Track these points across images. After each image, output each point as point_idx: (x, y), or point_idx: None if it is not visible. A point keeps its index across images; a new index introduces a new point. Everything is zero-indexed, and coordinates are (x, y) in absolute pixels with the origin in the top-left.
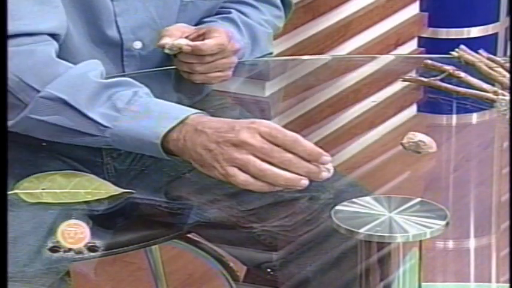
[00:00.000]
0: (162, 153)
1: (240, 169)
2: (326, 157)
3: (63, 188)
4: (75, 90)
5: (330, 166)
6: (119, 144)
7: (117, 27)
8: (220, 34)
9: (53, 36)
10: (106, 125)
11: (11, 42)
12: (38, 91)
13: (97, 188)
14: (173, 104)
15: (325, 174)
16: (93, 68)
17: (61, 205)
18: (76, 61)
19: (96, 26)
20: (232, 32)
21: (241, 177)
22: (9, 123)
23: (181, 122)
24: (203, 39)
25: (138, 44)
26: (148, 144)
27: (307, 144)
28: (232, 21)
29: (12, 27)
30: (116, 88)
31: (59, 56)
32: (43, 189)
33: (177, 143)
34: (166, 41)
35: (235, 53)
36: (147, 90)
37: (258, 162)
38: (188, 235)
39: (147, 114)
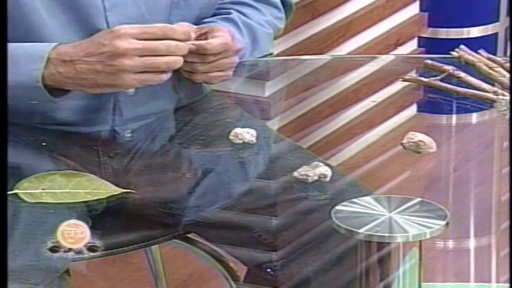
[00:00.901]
0: (46, 92)
1: (145, 72)
2: (192, 33)
3: (63, 188)
4: None
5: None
6: (12, 99)
7: (107, 22)
8: (224, 33)
9: None
10: None
11: None
12: None
13: (97, 188)
14: (28, 44)
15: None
16: None
17: (61, 205)
18: None
19: (85, 21)
20: (233, 31)
21: (138, 77)
22: None
23: (48, 59)
24: (205, 39)
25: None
26: (31, 89)
27: (176, 28)
28: (232, 21)
29: None
30: None
31: None
32: (43, 189)
33: (53, 78)
34: None
35: (236, 53)
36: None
37: (145, 58)
38: (188, 235)
39: (13, 60)
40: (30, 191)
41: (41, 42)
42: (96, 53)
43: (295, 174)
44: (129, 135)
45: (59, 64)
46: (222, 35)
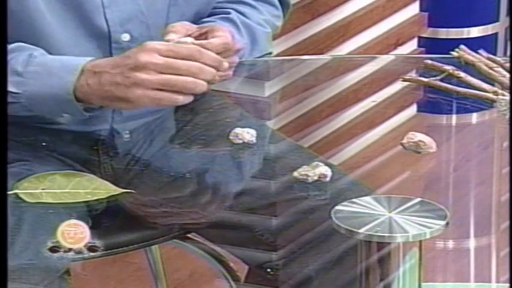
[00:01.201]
0: (77, 104)
1: (158, 90)
2: (225, 63)
3: (63, 188)
4: None
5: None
6: (37, 108)
7: (106, 19)
8: (224, 33)
9: None
10: (16, 91)
11: None
12: None
13: (97, 188)
14: (66, 57)
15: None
16: None
17: (61, 205)
18: (64, 54)
19: (84, 18)
20: (233, 31)
21: (151, 94)
22: None
23: (82, 71)
24: (205, 38)
25: (126, 37)
26: (63, 101)
27: (207, 52)
28: (231, 21)
29: None
30: (11, 54)
31: (48, 49)
32: (43, 189)
33: (81, 89)
34: (172, 37)
35: (236, 53)
36: (42, 50)
37: (162, 75)
38: (188, 235)
39: (48, 71)
40: (30, 191)
41: (40, 38)
42: (120, 64)
43: (295, 174)
44: (127, 135)
45: (89, 75)
46: (222, 34)
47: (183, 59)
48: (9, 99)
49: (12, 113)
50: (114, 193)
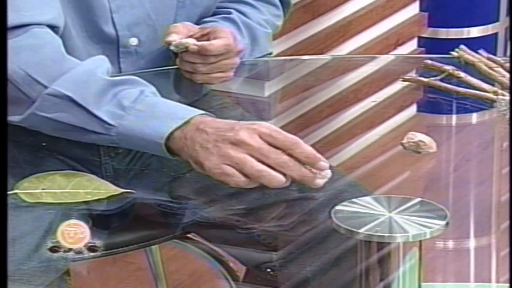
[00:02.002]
0: (165, 152)
1: (235, 168)
2: (324, 163)
3: (63, 188)
4: (81, 88)
5: (326, 173)
6: (124, 143)
7: (113, 23)
8: (226, 35)
9: (53, 28)
10: (111, 123)
11: (12, 34)
12: (45, 86)
13: (97, 188)
14: (179, 104)
15: (320, 182)
16: (100, 65)
17: (61, 205)
18: (73, 57)
19: (92, 23)
20: (235, 32)
21: (236, 177)
22: (16, 119)
23: (186, 122)
24: (207, 39)
25: (134, 41)
26: (152, 143)
27: (306, 147)
28: (232, 21)
29: (12, 18)
30: (123, 86)
31: None
32: (43, 189)
33: (178, 142)
34: (174, 38)
35: (238, 54)
36: (153, 89)
37: (255, 162)
38: (188, 235)
39: (153, 114)
40: (30, 191)
41: None
42: (221, 132)
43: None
44: None
45: (192, 129)
46: (224, 36)
47: (278, 146)
48: (100, 130)
49: (86, 139)
50: (114, 193)
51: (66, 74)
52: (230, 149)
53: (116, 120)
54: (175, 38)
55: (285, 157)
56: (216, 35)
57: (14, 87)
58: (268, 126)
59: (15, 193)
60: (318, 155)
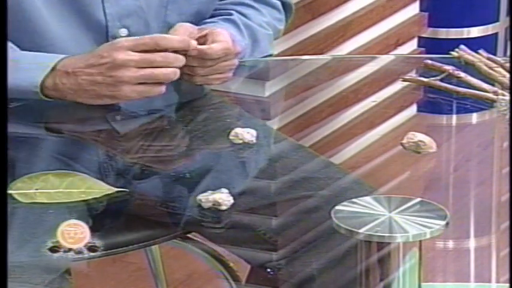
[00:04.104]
0: (44, 98)
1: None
2: (193, 42)
3: (56, 187)
4: None
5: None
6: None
7: (104, 13)
8: (225, 37)
9: None
10: None
11: None
12: None
13: (90, 188)
14: (38, 53)
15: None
16: None
17: (56, 205)
18: (59, 47)
19: (82, 12)
20: (233, 34)
21: (138, 89)
22: None
23: (53, 69)
24: (205, 41)
25: (123, 32)
26: (30, 93)
27: (174, 37)
28: (233, 22)
29: None
30: None
31: (41, 42)
32: (36, 189)
33: (55, 88)
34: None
35: (236, 56)
36: (11, 44)
37: (144, 69)
38: (188, 235)
39: (17, 68)
40: (24, 191)
41: (36, 33)
42: (96, 64)
43: (199, 197)
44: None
45: (62, 75)
46: (223, 39)
47: (152, 49)
48: None
49: None
50: (108, 192)
51: None
52: (123, 72)
53: None
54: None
55: (170, 54)
56: (214, 37)
57: None
58: (127, 39)
59: (9, 193)
60: (185, 38)
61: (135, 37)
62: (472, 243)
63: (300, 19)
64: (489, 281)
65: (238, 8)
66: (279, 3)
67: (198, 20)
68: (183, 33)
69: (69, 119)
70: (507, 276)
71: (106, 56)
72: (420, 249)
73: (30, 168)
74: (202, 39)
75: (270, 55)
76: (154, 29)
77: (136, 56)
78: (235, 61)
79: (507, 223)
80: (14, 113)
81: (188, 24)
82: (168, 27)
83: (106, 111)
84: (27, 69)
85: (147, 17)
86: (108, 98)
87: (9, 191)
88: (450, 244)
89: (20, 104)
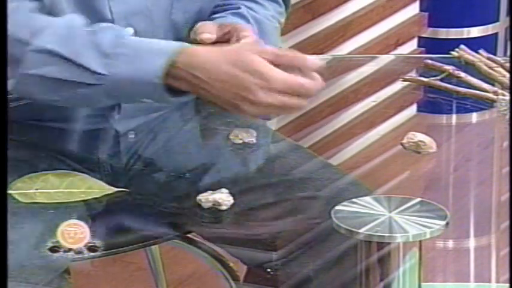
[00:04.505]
0: (164, 92)
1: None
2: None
3: (56, 187)
4: (64, 41)
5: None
6: (118, 92)
7: (111, 12)
8: (249, 33)
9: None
10: (102, 72)
11: None
12: (27, 42)
13: (90, 187)
14: (158, 40)
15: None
16: (77, 19)
17: (56, 205)
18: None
19: (89, 9)
20: (255, 30)
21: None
22: (9, 85)
23: (176, 55)
24: (229, 38)
25: (129, 31)
26: (149, 86)
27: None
28: (242, 16)
29: None
30: (99, 34)
31: None
32: (36, 189)
33: (183, 76)
34: (208, 36)
35: None
36: (131, 30)
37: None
38: (188, 235)
39: (138, 54)
40: (23, 191)
41: None
42: (240, 73)
43: (199, 197)
44: (132, 136)
45: (191, 67)
46: (247, 34)
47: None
48: (91, 81)
49: (84, 98)
50: (108, 192)
51: (45, 30)
52: (266, 95)
53: (106, 69)
54: (209, 36)
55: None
56: (239, 33)
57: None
58: (267, 50)
59: (9, 193)
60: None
61: (276, 52)
62: (472, 243)
63: (300, 19)
64: (489, 281)
65: (244, 2)
66: None
67: (201, 17)
68: (214, 30)
69: (69, 119)
70: (507, 276)
71: (255, 72)
72: (420, 249)
73: (30, 168)
74: (225, 36)
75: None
76: (160, 28)
77: (283, 84)
78: None
79: (507, 223)
80: (14, 113)
81: (208, 22)
82: (173, 26)
83: (106, 110)
84: (147, 57)
85: (153, 15)
86: (232, 107)
87: (9, 191)
88: (450, 244)
89: (20, 104)
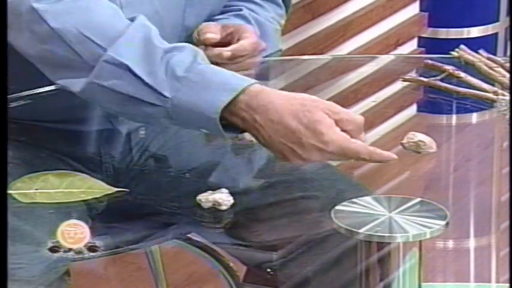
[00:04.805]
0: (219, 127)
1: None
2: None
3: (56, 187)
4: (138, 56)
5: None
6: (178, 116)
7: None
8: (251, 34)
9: None
10: (167, 95)
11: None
12: (98, 45)
13: (91, 187)
14: (230, 72)
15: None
16: (153, 30)
17: (56, 205)
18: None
19: None
20: (257, 31)
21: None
22: (76, 89)
23: (240, 93)
24: (231, 39)
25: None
26: (206, 118)
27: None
28: (244, 18)
29: None
30: (173, 52)
31: None
32: (36, 189)
33: (241, 114)
34: (211, 36)
35: (261, 53)
36: (203, 54)
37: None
38: (188, 235)
39: (206, 85)
40: (23, 191)
41: None
42: (301, 129)
43: (199, 197)
44: (143, 132)
45: (251, 108)
46: (249, 35)
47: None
48: (156, 102)
49: (145, 116)
50: (109, 192)
51: (121, 38)
52: (319, 152)
53: (171, 93)
54: (213, 36)
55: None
56: (241, 34)
57: (66, 47)
58: (334, 108)
59: (9, 193)
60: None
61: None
62: (472, 243)
63: (300, 19)
64: (489, 281)
65: (245, 4)
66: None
67: (210, 21)
68: (217, 31)
69: (70, 119)
70: (507, 276)
71: (321, 133)
72: (420, 249)
73: (30, 168)
74: (228, 37)
75: (279, 50)
76: (171, 33)
77: (343, 149)
78: (259, 58)
79: (507, 223)
80: (14, 113)
81: (211, 23)
82: (186, 30)
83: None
84: (213, 89)
85: (164, 21)
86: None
87: (9, 191)
88: (450, 244)
89: (20, 104)
